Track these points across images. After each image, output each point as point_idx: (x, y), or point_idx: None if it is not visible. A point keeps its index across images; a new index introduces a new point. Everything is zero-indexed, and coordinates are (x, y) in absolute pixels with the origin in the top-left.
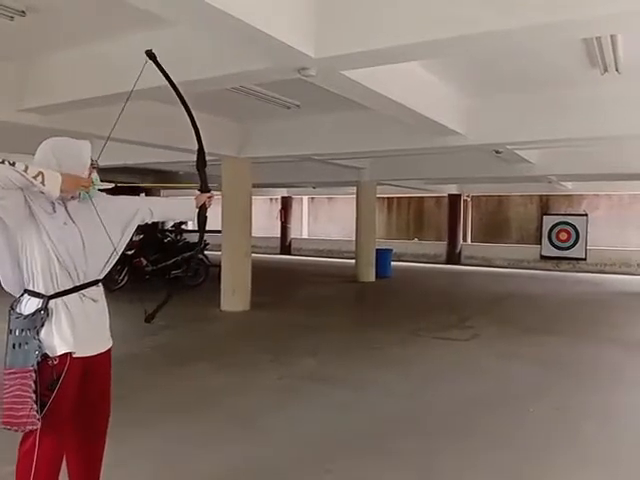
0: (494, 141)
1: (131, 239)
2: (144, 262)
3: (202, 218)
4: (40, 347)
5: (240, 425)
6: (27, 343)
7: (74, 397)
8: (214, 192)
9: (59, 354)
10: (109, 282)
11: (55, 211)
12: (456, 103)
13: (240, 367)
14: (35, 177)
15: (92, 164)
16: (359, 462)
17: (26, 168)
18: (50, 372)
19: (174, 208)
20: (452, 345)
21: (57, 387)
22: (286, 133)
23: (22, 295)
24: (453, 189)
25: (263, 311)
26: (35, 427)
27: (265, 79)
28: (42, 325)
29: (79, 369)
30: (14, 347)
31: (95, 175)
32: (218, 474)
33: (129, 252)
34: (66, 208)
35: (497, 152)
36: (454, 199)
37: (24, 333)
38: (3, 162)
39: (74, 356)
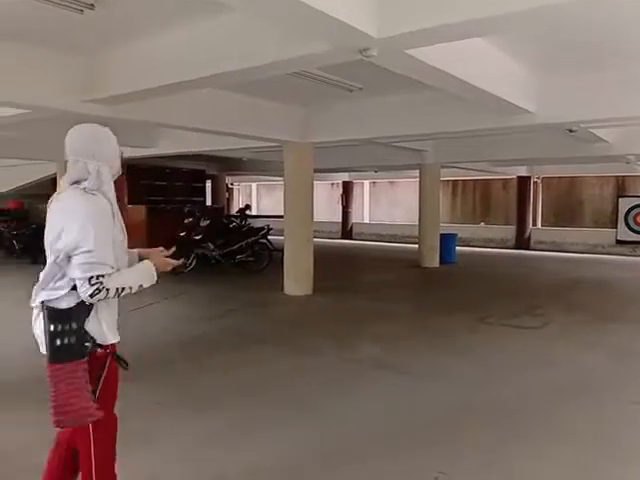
0: (567, 119)
1: (199, 224)
2: (211, 247)
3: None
4: (90, 339)
5: (303, 409)
6: (73, 336)
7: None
8: (277, 177)
9: (108, 343)
10: (179, 266)
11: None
12: (525, 80)
13: (303, 351)
14: (140, 289)
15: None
16: (423, 451)
17: (130, 290)
18: (97, 362)
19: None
20: (522, 333)
21: (104, 376)
22: (348, 117)
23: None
24: (522, 171)
25: (325, 296)
26: (96, 418)
27: (326, 62)
28: (87, 316)
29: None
30: (57, 342)
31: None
32: (281, 458)
33: (197, 237)
34: (113, 207)
35: (570, 131)
36: (523, 181)
37: (67, 326)
38: (120, 293)
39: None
